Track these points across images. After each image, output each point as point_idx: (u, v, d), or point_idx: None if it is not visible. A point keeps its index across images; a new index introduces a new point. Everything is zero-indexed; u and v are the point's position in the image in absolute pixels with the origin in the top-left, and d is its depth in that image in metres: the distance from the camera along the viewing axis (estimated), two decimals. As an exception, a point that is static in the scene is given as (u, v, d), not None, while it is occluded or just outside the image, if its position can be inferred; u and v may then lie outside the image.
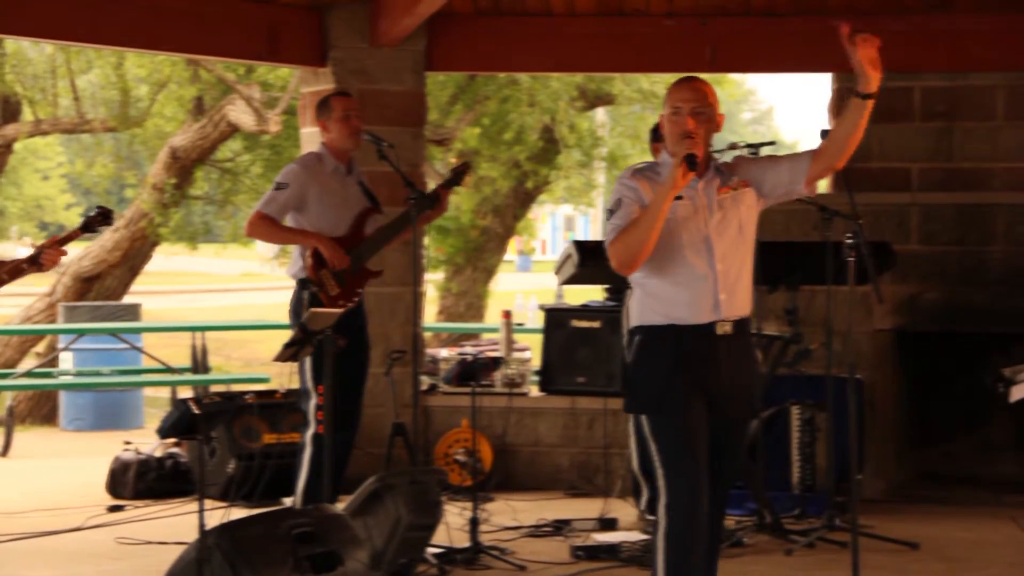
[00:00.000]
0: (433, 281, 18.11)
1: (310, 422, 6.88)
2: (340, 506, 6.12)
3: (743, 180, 4.86)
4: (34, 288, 15.32)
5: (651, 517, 7.30)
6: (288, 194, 6.92)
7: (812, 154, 4.83)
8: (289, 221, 7.02)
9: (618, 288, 8.75)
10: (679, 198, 4.72)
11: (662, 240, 4.69)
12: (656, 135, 7.64)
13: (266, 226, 6.95)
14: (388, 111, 8.56)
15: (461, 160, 7.35)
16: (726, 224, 4.80)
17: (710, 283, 4.75)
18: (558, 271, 7.56)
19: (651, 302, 4.81)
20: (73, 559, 6.90)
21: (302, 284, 6.95)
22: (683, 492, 4.69)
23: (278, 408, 8.42)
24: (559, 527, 7.38)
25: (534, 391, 8.93)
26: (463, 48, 8.99)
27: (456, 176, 7.20)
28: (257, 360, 21.99)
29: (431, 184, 9.03)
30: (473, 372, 8.78)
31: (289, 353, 6.30)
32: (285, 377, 7.21)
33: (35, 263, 5.61)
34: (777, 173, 4.87)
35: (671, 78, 15.96)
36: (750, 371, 4.93)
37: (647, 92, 16.21)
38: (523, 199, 18.04)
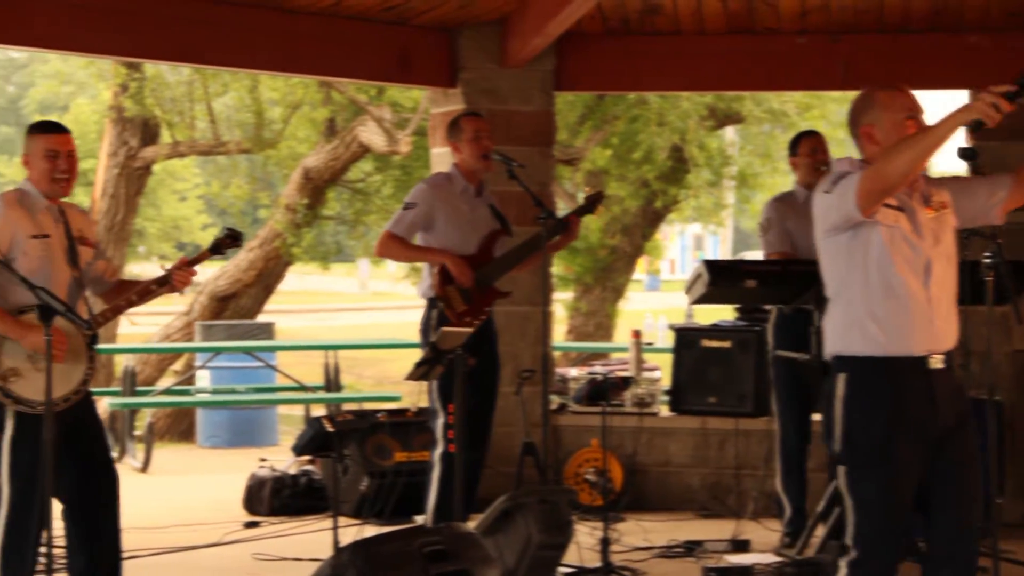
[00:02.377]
0: (562, 301, 18.12)
1: (439, 441, 6.92)
2: (471, 524, 6.14)
3: (942, 201, 4.56)
4: (172, 307, 15.65)
5: (786, 539, 7.25)
6: (416, 213, 6.99)
7: (1013, 179, 4.56)
8: (418, 241, 7.09)
9: (749, 308, 8.70)
10: (899, 209, 4.42)
11: (881, 258, 4.41)
12: (795, 150, 7.58)
13: (395, 245, 7.03)
14: (517, 131, 8.60)
15: (594, 189, 7.36)
16: (941, 246, 4.50)
17: (927, 309, 4.44)
18: (688, 290, 7.52)
19: (862, 327, 4.46)
20: (211, 574, 7.02)
21: (431, 303, 7.00)
22: (876, 555, 4.42)
23: (409, 426, 8.49)
24: (691, 548, 7.34)
25: (664, 411, 8.89)
26: (592, 68, 9.00)
27: (589, 204, 7.22)
28: (388, 378, 22.17)
29: (561, 205, 9.06)
30: (603, 391, 8.77)
31: (420, 372, 6.35)
32: (416, 395, 7.27)
33: (166, 284, 5.71)
34: (972, 197, 4.61)
35: (802, 96, 15.88)
36: (966, 406, 4.59)
37: (777, 111, 16.09)
38: (652, 218, 17.99)
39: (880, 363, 4.43)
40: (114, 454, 10.32)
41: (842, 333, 4.51)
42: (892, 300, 4.42)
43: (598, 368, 9.39)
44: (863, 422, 4.44)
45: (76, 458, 5.51)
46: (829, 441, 4.57)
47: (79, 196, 18.64)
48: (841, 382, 4.50)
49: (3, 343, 5.38)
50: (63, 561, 5.99)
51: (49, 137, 5.60)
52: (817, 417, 7.33)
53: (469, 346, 6.31)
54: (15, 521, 5.38)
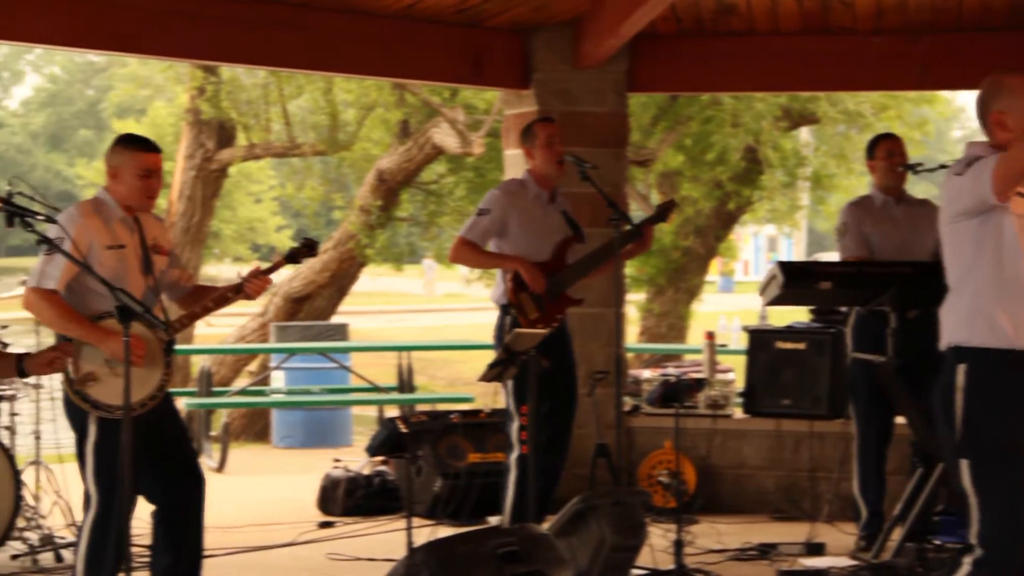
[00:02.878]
0: (635, 302, 18.08)
1: (514, 444, 6.92)
2: (545, 526, 6.14)
3: None
4: (247, 309, 15.76)
5: (862, 542, 7.19)
6: (489, 220, 7.01)
7: None
8: (491, 247, 7.10)
9: (823, 310, 8.64)
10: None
11: (1013, 247, 4.34)
12: (872, 153, 7.51)
13: (468, 251, 7.06)
14: (590, 132, 8.59)
15: (666, 197, 7.35)
16: None
17: None
18: (763, 292, 7.48)
19: (989, 318, 4.38)
20: (286, 574, 7.07)
21: (504, 309, 7.02)
22: (1003, 554, 4.31)
23: (482, 427, 8.51)
24: (765, 551, 7.30)
25: (738, 413, 8.84)
26: (666, 68, 8.98)
27: (661, 213, 7.22)
28: (461, 380, 22.24)
29: (633, 207, 9.03)
30: (676, 393, 8.74)
31: (493, 373, 6.36)
32: (489, 397, 7.28)
33: (240, 292, 5.76)
34: None
35: (878, 97, 15.72)
36: None
37: (852, 112, 15.95)
38: (725, 220, 17.90)
39: (1005, 356, 4.35)
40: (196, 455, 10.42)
41: (966, 323, 4.43)
42: (1018, 292, 4.34)
43: (671, 370, 9.36)
44: (987, 416, 4.36)
45: (160, 461, 5.57)
46: (947, 432, 4.47)
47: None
48: (961, 373, 4.41)
49: (81, 348, 5.44)
50: (144, 560, 6.06)
51: (147, 156, 5.65)
52: (900, 420, 7.28)
53: (543, 348, 6.31)
54: (101, 522, 5.44)
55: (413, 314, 36.46)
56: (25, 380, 7.75)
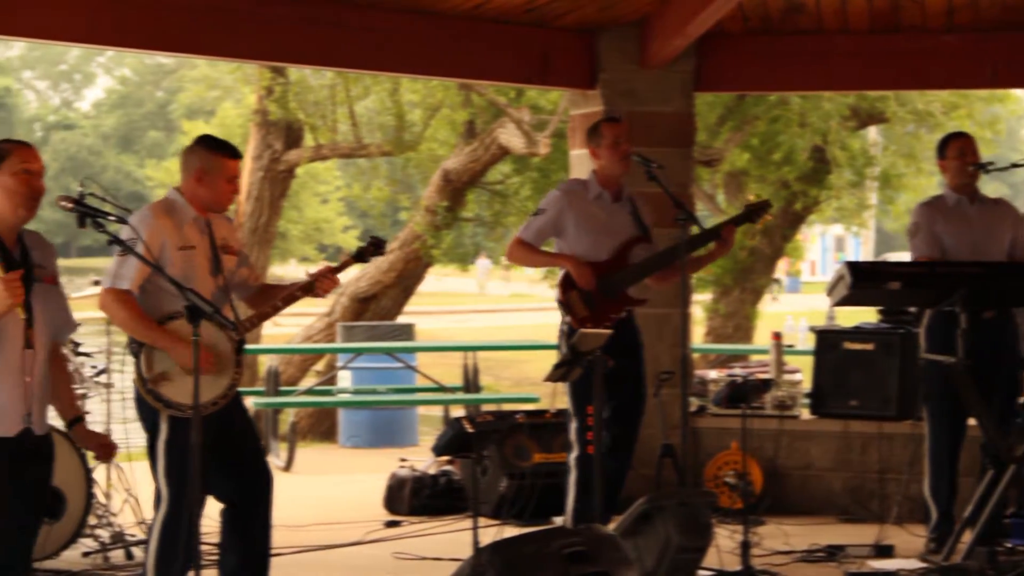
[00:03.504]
0: (701, 302, 18.01)
1: (574, 444, 6.91)
2: (611, 527, 6.13)
3: None
4: (314, 308, 15.86)
5: (932, 544, 7.12)
6: (544, 219, 7.01)
7: None
8: (555, 247, 7.09)
9: (892, 311, 8.57)
10: None
11: None
12: (943, 152, 7.42)
13: (523, 250, 7.06)
14: (657, 132, 8.56)
15: (760, 198, 7.21)
16: None
17: None
18: (830, 292, 7.43)
19: None
20: (352, 573, 7.11)
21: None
22: None
23: (548, 427, 8.51)
24: (833, 553, 7.25)
25: (805, 414, 8.79)
26: (733, 68, 8.94)
27: (749, 213, 7.07)
28: (526, 380, 22.25)
29: (700, 207, 8.99)
30: (743, 394, 8.70)
31: (559, 374, 6.36)
32: (554, 397, 7.28)
33: (309, 291, 5.79)
34: None
35: (948, 96, 15.59)
36: None
37: (922, 111, 15.82)
38: (792, 220, 17.80)
39: None
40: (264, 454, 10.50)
41: None
42: None
43: (738, 370, 9.32)
44: None
45: (229, 460, 5.61)
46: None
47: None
48: None
49: (154, 348, 5.49)
50: (213, 558, 6.11)
51: (235, 163, 5.70)
52: (972, 422, 7.20)
53: (609, 348, 6.29)
54: (171, 520, 5.49)
55: (478, 314, 36.53)
56: (97, 379, 7.85)
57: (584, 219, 6.99)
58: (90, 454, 5.62)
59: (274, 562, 5.89)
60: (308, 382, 14.61)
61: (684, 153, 8.78)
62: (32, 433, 4.50)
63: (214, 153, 5.69)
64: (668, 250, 6.93)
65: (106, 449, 4.89)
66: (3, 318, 4.37)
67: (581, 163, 8.28)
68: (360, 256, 6.00)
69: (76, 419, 4.85)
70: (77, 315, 4.92)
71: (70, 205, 4.69)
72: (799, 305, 34.52)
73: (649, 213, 7.15)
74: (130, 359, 5.58)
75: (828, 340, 8.64)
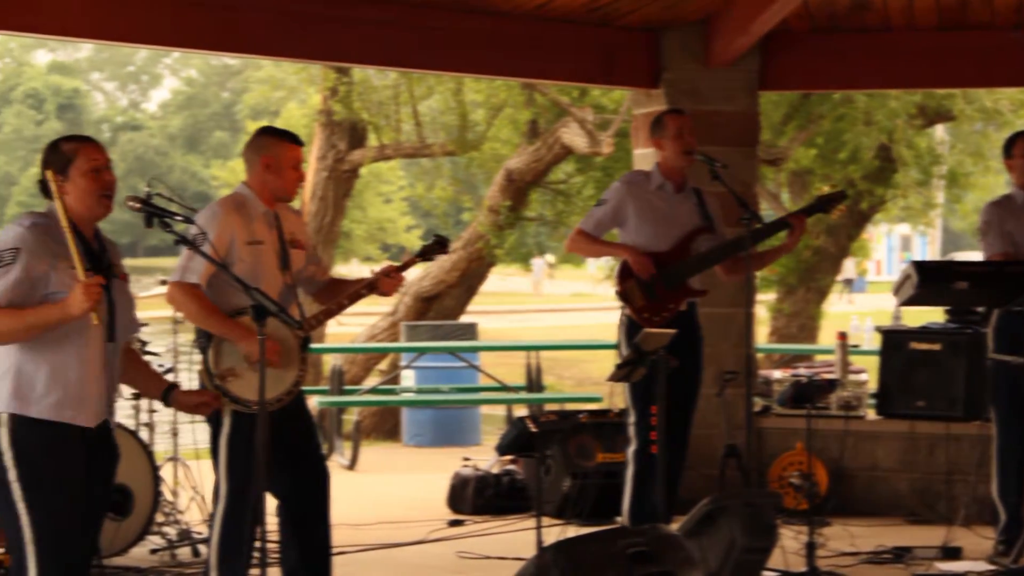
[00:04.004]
0: (764, 302, 17.92)
1: (632, 439, 6.90)
2: (674, 526, 6.12)
3: None
4: (378, 308, 15.93)
5: (1000, 547, 7.04)
6: (604, 210, 6.99)
7: None
8: (618, 237, 7.07)
9: (960, 310, 8.48)
10: None
11: None
12: (1009, 151, 7.33)
13: (581, 240, 7.04)
14: (721, 131, 8.53)
15: (835, 188, 7.16)
16: None
17: None
18: (897, 292, 7.37)
19: None
20: (416, 572, 7.13)
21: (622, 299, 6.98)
22: None
23: (611, 427, 8.49)
24: (899, 554, 7.19)
25: (871, 414, 8.72)
26: (798, 66, 8.89)
27: (821, 203, 7.03)
28: (589, 379, 22.23)
29: (764, 207, 8.94)
30: (808, 394, 8.62)
31: (622, 373, 6.34)
32: (617, 396, 7.26)
33: (374, 289, 5.81)
34: None
35: (1016, 93, 15.43)
36: None
37: (990, 109, 15.65)
38: (858, 219, 17.67)
39: None
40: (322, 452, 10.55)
41: None
42: None
43: (803, 370, 9.25)
44: None
45: (289, 456, 5.64)
46: None
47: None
48: None
49: (221, 344, 5.53)
50: (276, 555, 6.14)
51: (298, 150, 5.75)
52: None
53: (672, 347, 6.27)
54: (231, 516, 5.53)
55: (541, 314, 36.53)
56: (164, 377, 7.91)
57: (645, 209, 6.96)
58: (162, 451, 5.68)
59: (337, 560, 5.91)
60: (372, 381, 14.66)
61: (748, 152, 8.74)
62: (108, 425, 4.58)
63: (277, 140, 5.74)
64: (732, 241, 6.89)
65: (207, 405, 4.96)
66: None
67: (644, 162, 8.26)
68: (424, 254, 6.01)
69: (170, 387, 4.91)
70: (144, 314, 4.96)
71: (138, 205, 4.73)
72: (864, 305, 34.27)
73: (716, 207, 7.11)
74: (197, 357, 5.62)
75: (894, 340, 8.58)
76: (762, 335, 17.07)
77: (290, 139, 5.76)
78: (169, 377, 7.88)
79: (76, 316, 4.37)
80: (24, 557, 4.37)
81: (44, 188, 4.57)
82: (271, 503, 5.63)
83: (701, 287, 7.01)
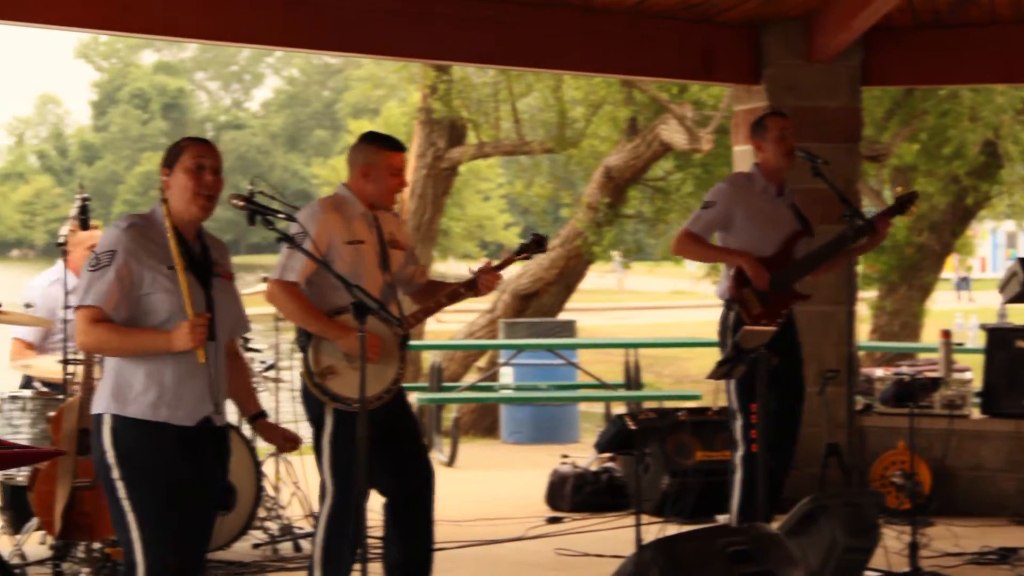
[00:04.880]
0: (866, 300, 17.72)
1: (739, 443, 6.85)
2: (775, 525, 6.07)
3: None
4: (476, 305, 15.97)
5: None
6: (714, 213, 6.95)
7: None
8: (717, 241, 7.04)
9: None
10: None
11: None
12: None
13: (691, 244, 7.00)
14: (822, 127, 8.45)
15: (906, 190, 7.11)
16: None
17: None
18: (1002, 289, 7.27)
19: None
20: (514, 568, 7.14)
21: (729, 304, 6.95)
22: None
23: (711, 425, 8.46)
24: (1005, 555, 7.08)
25: (976, 413, 8.60)
26: (901, 62, 8.78)
27: (899, 205, 7.00)
28: (688, 377, 22.14)
29: (866, 203, 8.85)
30: (911, 393, 8.51)
31: (722, 371, 6.31)
32: (716, 395, 7.23)
33: (472, 288, 5.82)
34: None
35: None
36: None
37: (1100, 103, 15.36)
38: (962, 215, 17.43)
39: None
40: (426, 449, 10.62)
41: None
42: None
43: (905, 368, 9.14)
44: None
45: (392, 454, 5.68)
46: None
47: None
48: None
49: (321, 342, 5.58)
50: (378, 551, 6.19)
51: (399, 155, 5.77)
52: None
53: (772, 345, 6.23)
54: (337, 513, 5.58)
55: (640, 311, 36.44)
56: (265, 374, 8.01)
57: (752, 213, 6.92)
58: (264, 447, 5.73)
59: (437, 556, 5.94)
60: (470, 378, 14.73)
61: (850, 148, 8.65)
62: (212, 424, 4.61)
63: (378, 148, 5.76)
64: (829, 244, 6.85)
65: (291, 442, 4.96)
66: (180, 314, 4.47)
67: (744, 159, 8.20)
68: (522, 253, 6.02)
69: (259, 414, 4.93)
70: (246, 311, 5.00)
71: (241, 203, 4.78)
72: (969, 303, 33.77)
73: (815, 208, 7.05)
74: (299, 354, 5.68)
75: (1000, 338, 8.45)
76: (863, 333, 16.89)
77: (390, 146, 5.78)
78: (270, 374, 8.01)
79: (179, 350, 4.44)
80: (132, 553, 4.44)
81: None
82: (375, 500, 5.68)
83: (805, 291, 6.97)
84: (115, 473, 4.44)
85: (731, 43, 8.63)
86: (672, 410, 8.89)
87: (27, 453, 5.53)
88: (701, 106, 14.39)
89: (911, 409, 7.61)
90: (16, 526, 6.97)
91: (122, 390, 4.48)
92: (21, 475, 6.73)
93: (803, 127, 7.77)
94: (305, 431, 5.80)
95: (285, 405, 7.75)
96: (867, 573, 6.31)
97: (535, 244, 6.02)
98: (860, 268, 15.67)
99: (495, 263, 5.92)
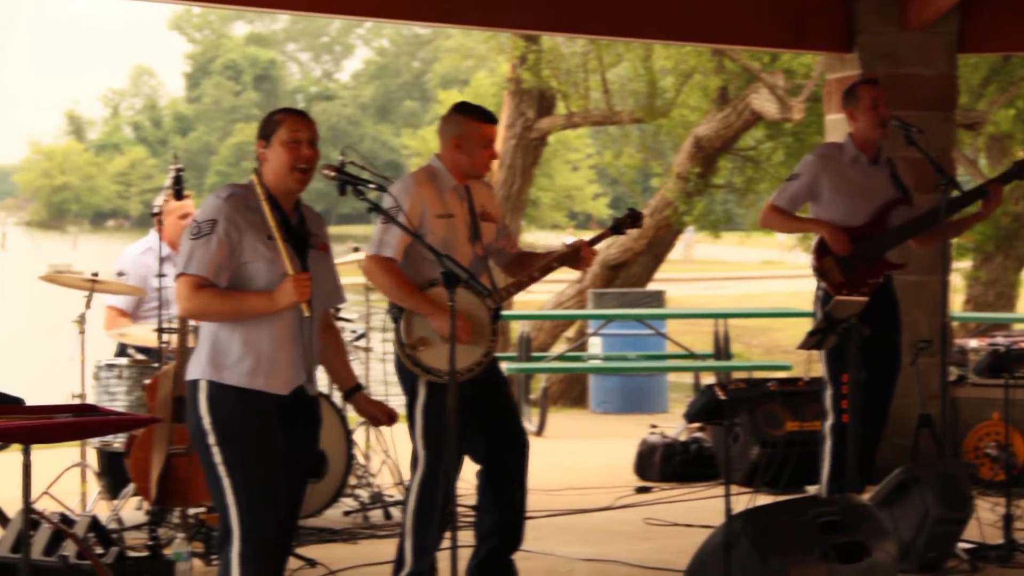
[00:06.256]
0: (960, 270, 17.50)
1: (829, 412, 6.81)
2: (866, 496, 6.04)
3: None
4: (565, 276, 15.96)
5: None
6: (798, 185, 6.89)
7: None
8: (810, 212, 6.98)
9: None
10: None
11: None
12: None
13: (775, 216, 6.96)
14: (917, 95, 8.34)
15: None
16: None
17: None
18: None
19: None
20: (604, 537, 7.16)
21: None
22: None
23: (801, 396, 8.40)
24: (1100, 529, 6.97)
25: (1073, 385, 8.45)
26: (1000, 28, 8.64)
27: (1018, 169, 6.87)
28: (778, 348, 21.99)
29: (960, 172, 8.72)
30: (1006, 363, 8.41)
31: (813, 341, 6.26)
32: (806, 365, 7.18)
33: (567, 262, 5.83)
34: None
35: None
36: None
37: None
38: (1060, 184, 17.12)
39: None
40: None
41: None
42: None
43: (1000, 339, 9.02)
44: None
45: (486, 424, 5.72)
46: None
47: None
48: None
49: (413, 315, 5.61)
50: (469, 519, 6.24)
51: (491, 127, 5.77)
52: None
53: (865, 316, 6.17)
54: (428, 482, 5.62)
55: (730, 282, 36.25)
56: (356, 343, 8.06)
57: (840, 183, 6.85)
58: (355, 416, 5.75)
59: (527, 525, 5.97)
60: (559, 348, 14.74)
61: (945, 117, 8.54)
62: (305, 392, 4.66)
63: (470, 119, 5.76)
64: (929, 212, 6.75)
65: (389, 417, 4.99)
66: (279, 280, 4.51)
67: (837, 128, 8.12)
68: (617, 228, 6.02)
69: (355, 388, 4.96)
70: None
71: (332, 174, 4.81)
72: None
73: (910, 176, 6.97)
74: (390, 323, 5.72)
75: (1098, 309, 8.31)
76: (957, 304, 16.68)
77: (481, 117, 5.78)
78: (361, 344, 8.07)
79: (283, 308, 4.48)
80: (228, 519, 4.51)
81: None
82: (468, 468, 5.71)
83: (899, 260, 6.88)
84: (211, 439, 4.51)
85: (823, 11, 8.53)
86: (762, 380, 8.84)
87: (123, 420, 5.62)
88: (792, 75, 14.24)
89: (1006, 380, 7.51)
90: (113, 492, 7.10)
91: (218, 357, 4.54)
92: (118, 442, 6.86)
93: (897, 95, 7.66)
94: (396, 402, 5.85)
95: (375, 375, 7.81)
96: (960, 545, 6.25)
97: (630, 219, 6.01)
98: (954, 238, 15.50)
99: (589, 239, 5.92)
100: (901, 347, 6.98)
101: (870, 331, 6.30)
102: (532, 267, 5.87)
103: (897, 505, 6.08)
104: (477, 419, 5.59)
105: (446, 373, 5.39)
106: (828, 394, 6.79)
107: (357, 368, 7.97)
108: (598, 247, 5.96)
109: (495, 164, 15.56)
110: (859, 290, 6.70)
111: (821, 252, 6.81)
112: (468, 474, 5.79)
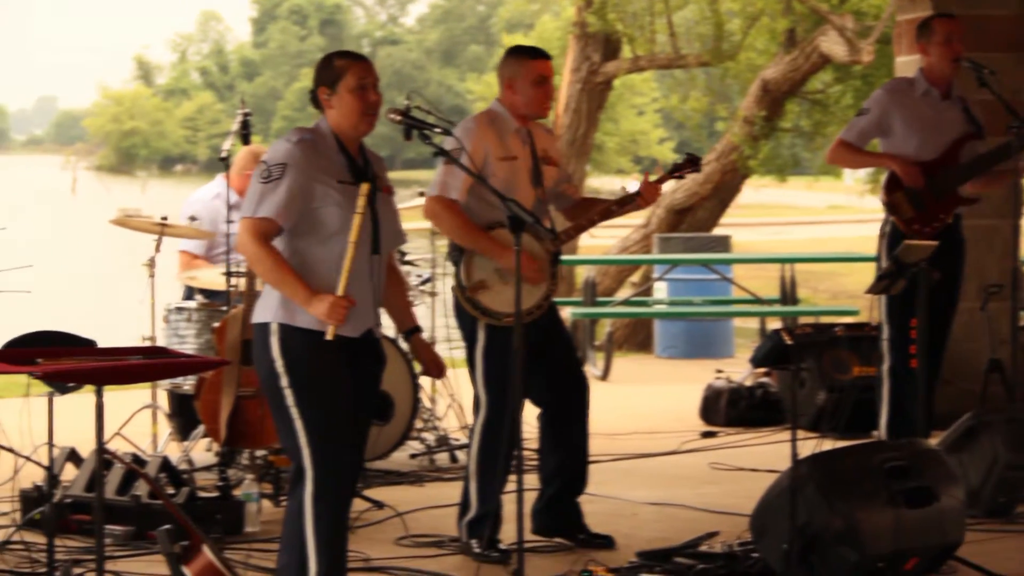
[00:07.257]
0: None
1: (885, 355, 6.77)
2: (933, 441, 6.00)
3: None
4: (631, 220, 15.92)
5: None
6: (868, 119, 6.80)
7: None
8: (880, 148, 6.90)
9: None
10: None
11: None
12: None
13: (844, 151, 6.87)
14: (990, 37, 8.21)
15: None
16: None
17: None
18: None
19: None
20: (670, 481, 7.17)
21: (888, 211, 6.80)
22: None
23: (868, 340, 8.33)
24: None
25: None
26: (1074, -33, 8.48)
27: None
28: (844, 292, 21.85)
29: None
30: (1078, 309, 8.31)
31: (882, 286, 6.22)
32: (873, 310, 7.12)
33: (627, 204, 5.80)
34: None
35: None
36: None
37: None
38: None
39: None
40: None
41: None
42: None
43: (1072, 285, 8.90)
44: None
45: (546, 367, 5.73)
46: None
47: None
48: None
49: (473, 257, 5.62)
50: (533, 462, 6.27)
51: (537, 63, 5.73)
52: None
53: (934, 260, 6.11)
54: (490, 426, 5.65)
55: (796, 226, 36.00)
56: (422, 287, 8.08)
57: (911, 118, 6.75)
58: (417, 365, 5.79)
59: (592, 468, 6.00)
60: (624, 293, 14.71)
61: (1019, 59, 8.40)
62: (372, 335, 4.69)
63: (518, 58, 5.77)
64: (1001, 146, 6.63)
65: (437, 366, 4.99)
66: (352, 221, 4.51)
67: (907, 70, 8.01)
68: (675, 171, 5.99)
69: (413, 329, 4.98)
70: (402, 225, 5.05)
71: (398, 118, 4.82)
72: None
73: (982, 117, 6.87)
74: (452, 269, 5.73)
75: None
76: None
77: (530, 54, 5.77)
78: (427, 288, 8.10)
79: (311, 314, 4.48)
80: (301, 459, 4.55)
81: (315, 101, 4.70)
82: (530, 411, 5.73)
83: (972, 195, 6.79)
84: (283, 381, 4.55)
85: (894, -50, 8.41)
86: (829, 325, 8.79)
87: (193, 362, 5.68)
88: (862, 16, 14.07)
89: (1078, 325, 7.42)
90: (184, 433, 7.19)
91: (290, 300, 4.56)
92: (188, 384, 6.94)
93: (969, 36, 7.51)
94: (459, 341, 5.87)
95: (441, 319, 7.84)
96: (1028, 491, 6.21)
97: (689, 163, 5.98)
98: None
99: (652, 179, 5.90)
100: (960, 291, 6.89)
101: (940, 276, 6.24)
102: (593, 211, 5.87)
103: (966, 451, 6.05)
104: (536, 362, 5.60)
105: (506, 315, 5.42)
106: (885, 337, 6.74)
107: (422, 311, 8.04)
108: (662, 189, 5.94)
109: (560, 108, 15.52)
110: (931, 225, 6.62)
111: (892, 186, 6.73)
112: (530, 416, 5.81)
